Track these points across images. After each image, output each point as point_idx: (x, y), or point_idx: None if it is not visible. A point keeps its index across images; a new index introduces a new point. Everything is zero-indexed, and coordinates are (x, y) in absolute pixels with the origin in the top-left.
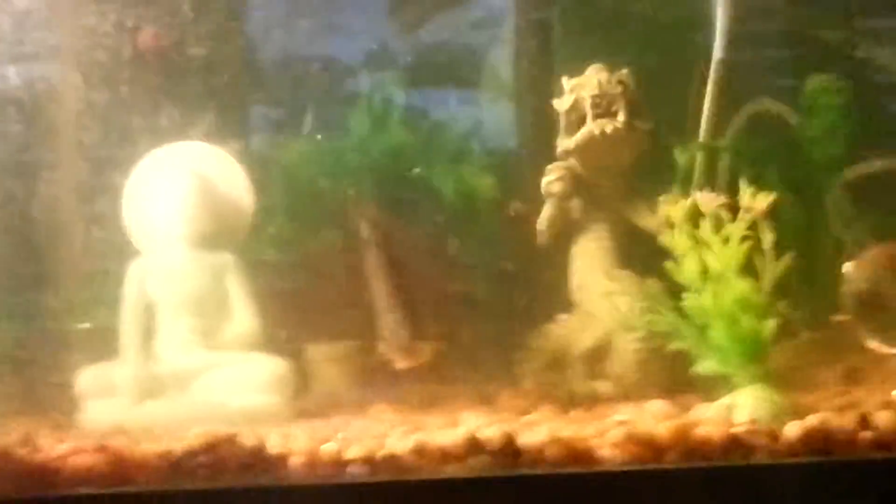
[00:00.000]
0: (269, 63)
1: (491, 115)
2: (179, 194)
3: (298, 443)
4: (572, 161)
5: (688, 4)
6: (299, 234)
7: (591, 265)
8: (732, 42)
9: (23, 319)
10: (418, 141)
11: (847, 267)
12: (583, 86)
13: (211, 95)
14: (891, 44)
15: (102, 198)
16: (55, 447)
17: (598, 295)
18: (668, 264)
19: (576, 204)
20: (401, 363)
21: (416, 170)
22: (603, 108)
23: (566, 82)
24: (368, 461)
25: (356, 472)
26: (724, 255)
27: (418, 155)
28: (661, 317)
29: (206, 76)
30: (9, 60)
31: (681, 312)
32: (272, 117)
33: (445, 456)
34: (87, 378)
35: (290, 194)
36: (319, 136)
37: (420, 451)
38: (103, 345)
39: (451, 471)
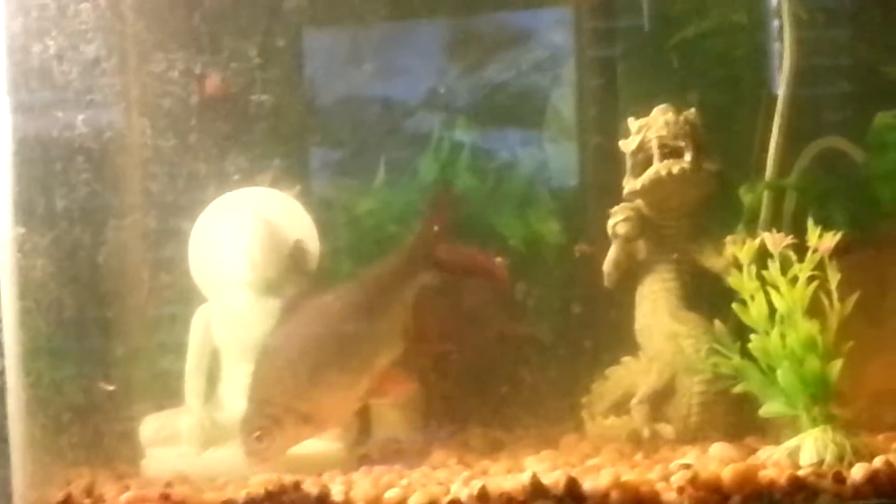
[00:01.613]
0: (334, 107)
1: (555, 155)
2: (245, 240)
3: (362, 490)
4: (639, 202)
5: (753, 41)
6: None
7: (656, 307)
8: (799, 78)
9: (89, 366)
10: (485, 186)
11: None
12: (649, 126)
13: (276, 140)
14: None
15: (169, 244)
16: (119, 496)
17: (664, 337)
18: (735, 305)
19: (642, 245)
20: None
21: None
22: (670, 149)
23: (632, 123)
24: None
25: None
26: (791, 295)
27: (485, 200)
28: (727, 359)
29: (272, 121)
30: (77, 108)
31: (746, 354)
32: (338, 161)
33: (510, 501)
34: (150, 426)
35: (356, 239)
36: (386, 182)
37: (484, 497)
38: (169, 392)
39: None
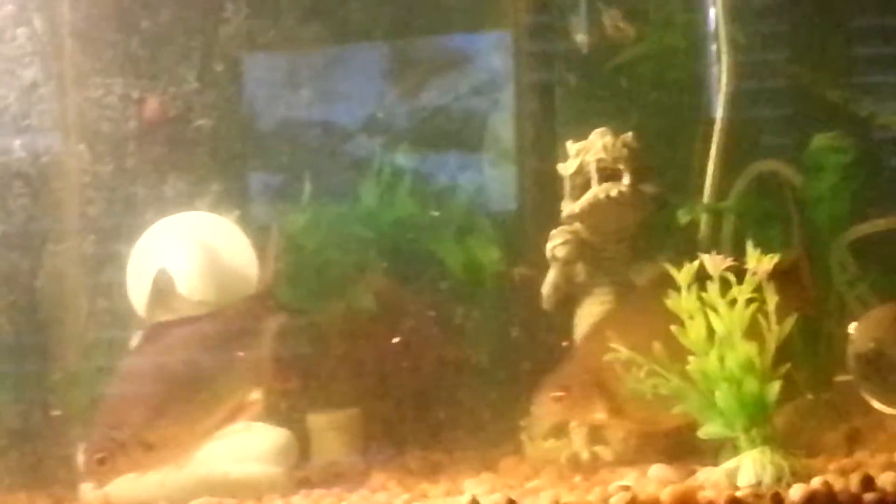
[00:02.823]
0: (273, 131)
1: (495, 179)
2: (184, 264)
3: None
4: (577, 225)
5: (691, 64)
6: (304, 303)
7: None
8: (736, 101)
9: (26, 391)
10: (425, 213)
11: (851, 327)
12: (587, 150)
13: (216, 164)
14: (891, 100)
15: (108, 268)
16: None
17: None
18: (674, 328)
19: (580, 268)
20: None
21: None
22: (608, 173)
23: (571, 146)
24: None
25: None
26: (730, 317)
27: (425, 226)
28: (666, 381)
29: (211, 145)
30: (14, 133)
31: (685, 376)
32: (277, 185)
33: None
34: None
35: (295, 264)
36: (324, 205)
37: None
38: None
39: None
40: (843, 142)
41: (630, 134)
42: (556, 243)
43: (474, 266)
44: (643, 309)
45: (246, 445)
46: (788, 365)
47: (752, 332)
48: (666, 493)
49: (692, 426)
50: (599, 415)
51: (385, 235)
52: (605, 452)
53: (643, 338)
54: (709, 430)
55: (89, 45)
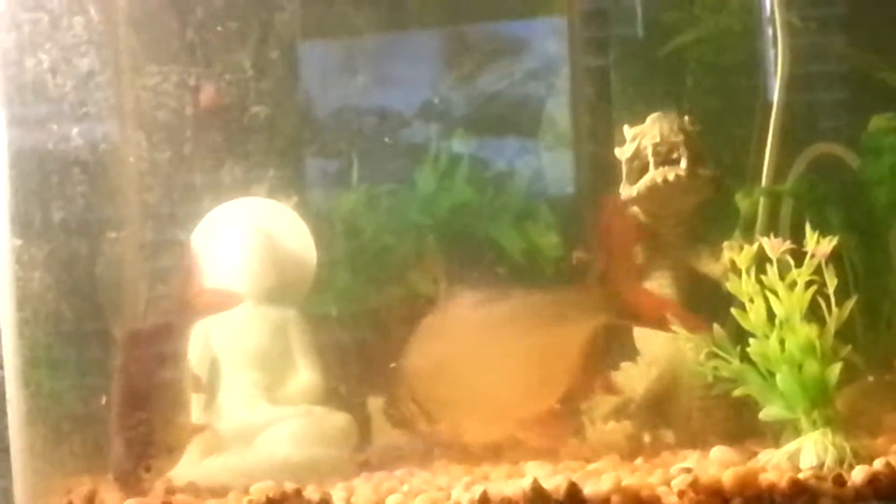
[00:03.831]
0: (330, 118)
1: (552, 164)
2: (243, 250)
3: (363, 496)
4: (635, 209)
5: (747, 47)
6: (362, 288)
7: None
8: (793, 84)
9: (88, 377)
10: (483, 198)
11: None
12: (644, 134)
13: (272, 151)
14: None
15: (167, 255)
16: None
17: (662, 341)
18: (734, 310)
19: (639, 252)
20: None
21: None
22: (665, 156)
23: (627, 130)
24: None
25: None
26: (789, 300)
27: (483, 212)
28: (726, 363)
29: (268, 132)
30: (73, 121)
31: (746, 358)
32: (336, 171)
33: None
34: None
35: (353, 249)
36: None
37: (485, 502)
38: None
39: None
40: None
41: (686, 118)
42: None
43: (533, 251)
44: (462, 321)
45: (307, 429)
46: (849, 347)
47: (814, 314)
48: (727, 476)
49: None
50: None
51: (442, 221)
52: (666, 434)
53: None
54: (770, 412)
55: (145, 33)
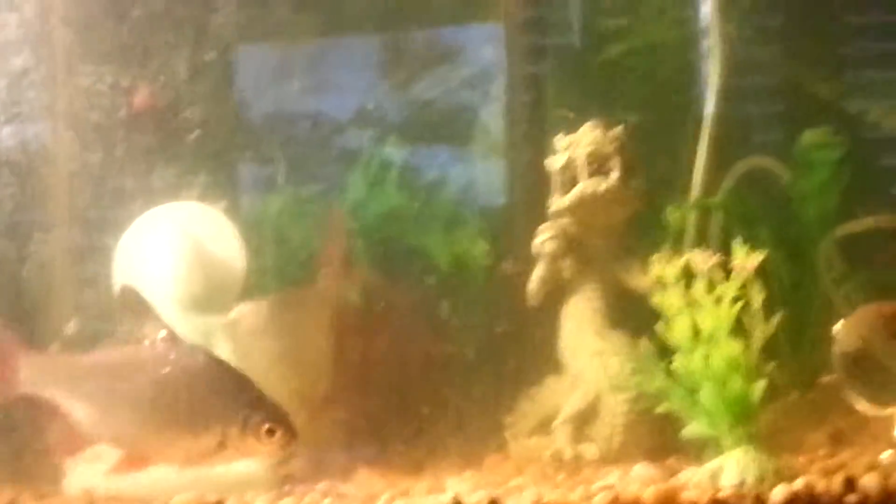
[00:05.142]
0: (263, 122)
1: (484, 173)
2: (171, 256)
3: None
4: (565, 220)
5: (682, 59)
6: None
7: (581, 326)
8: (726, 97)
9: None
10: (413, 205)
11: (837, 326)
12: (577, 144)
13: (205, 155)
14: (882, 97)
15: (95, 259)
16: None
17: (588, 356)
18: (659, 325)
19: (567, 263)
20: None
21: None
22: (596, 167)
23: (560, 140)
24: None
25: None
26: (715, 315)
27: (413, 219)
28: (651, 378)
29: (202, 136)
30: (2, 121)
31: (670, 374)
32: (267, 176)
33: None
34: None
35: (281, 254)
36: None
37: None
38: None
39: None
40: (832, 138)
41: (619, 128)
42: (544, 238)
43: (462, 259)
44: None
45: None
46: (774, 364)
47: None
48: (649, 493)
49: None
50: None
51: (371, 227)
52: (589, 450)
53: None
54: (693, 429)
55: (80, 33)
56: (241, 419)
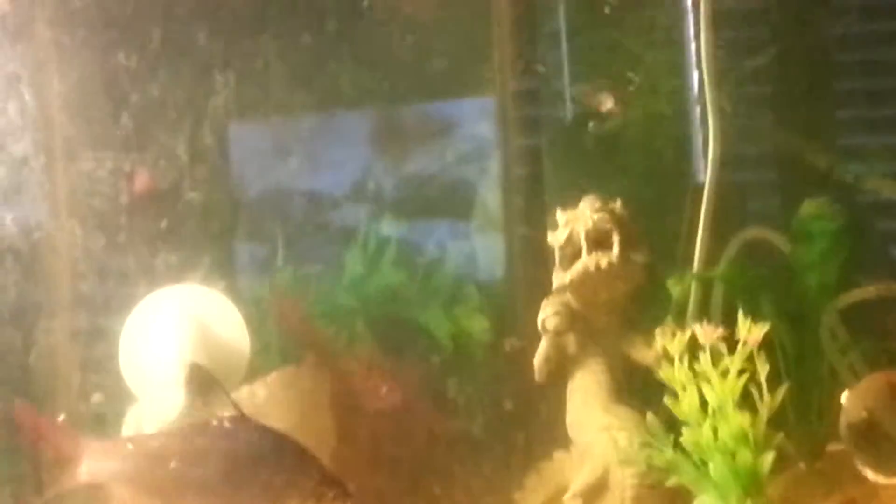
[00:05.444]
0: (263, 201)
1: (483, 248)
2: (175, 339)
3: None
4: (568, 296)
5: (678, 131)
6: None
7: (587, 400)
8: (724, 168)
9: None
10: (412, 282)
11: (843, 396)
12: (577, 219)
13: (207, 236)
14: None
15: (99, 343)
16: None
17: (596, 430)
18: (667, 398)
19: (572, 339)
20: None
21: None
22: (597, 242)
23: (560, 215)
24: None
25: None
26: (722, 388)
27: (412, 296)
28: (660, 452)
29: (202, 218)
30: (4, 208)
31: (679, 447)
32: (267, 256)
33: None
34: None
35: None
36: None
37: None
38: None
39: None
40: (831, 208)
41: (618, 202)
42: (547, 314)
43: (463, 336)
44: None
45: None
46: (781, 435)
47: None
48: None
49: None
50: None
51: (371, 305)
52: None
53: None
54: (702, 501)
55: (78, 119)
56: (315, 496)
